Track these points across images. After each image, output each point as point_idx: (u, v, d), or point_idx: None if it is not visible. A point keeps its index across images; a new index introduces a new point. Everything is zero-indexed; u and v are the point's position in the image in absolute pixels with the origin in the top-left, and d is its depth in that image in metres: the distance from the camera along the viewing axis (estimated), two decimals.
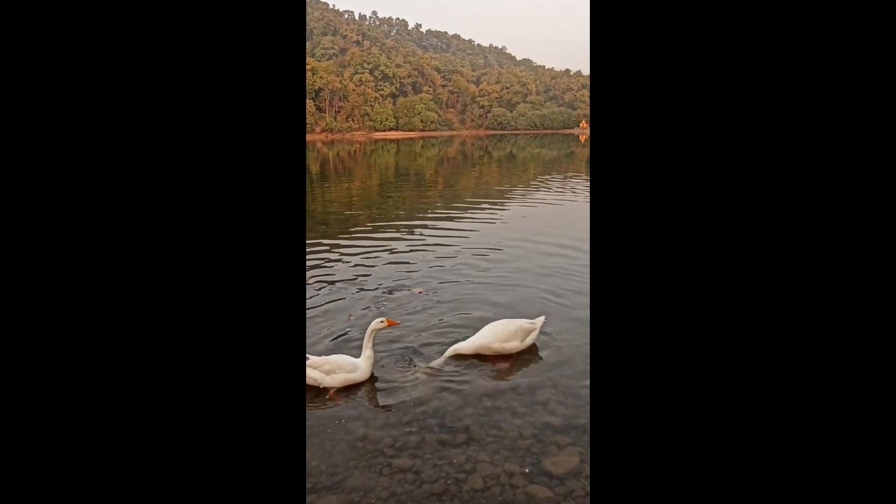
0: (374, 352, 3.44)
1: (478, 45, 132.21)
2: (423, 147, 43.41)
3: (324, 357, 3.31)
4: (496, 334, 3.58)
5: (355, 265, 6.08)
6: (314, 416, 2.96)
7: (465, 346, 3.61)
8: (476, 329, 3.79)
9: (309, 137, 68.58)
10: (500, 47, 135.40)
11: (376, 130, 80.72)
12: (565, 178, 16.63)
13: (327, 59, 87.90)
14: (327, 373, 3.22)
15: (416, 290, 5.07)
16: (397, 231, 8.17)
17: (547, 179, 16.19)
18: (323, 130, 76.38)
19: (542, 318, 3.84)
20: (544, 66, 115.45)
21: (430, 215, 9.71)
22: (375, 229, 8.31)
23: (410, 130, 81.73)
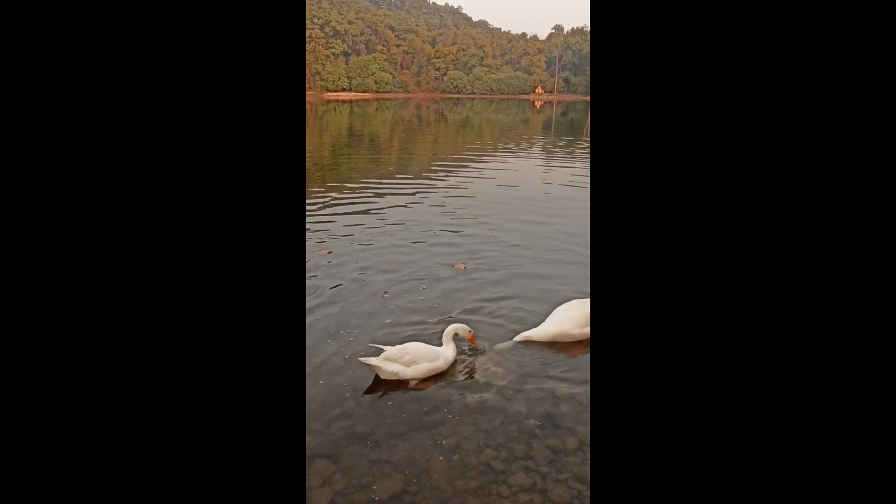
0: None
1: (433, 3, 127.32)
2: (377, 109, 41.81)
3: (400, 347, 2.84)
4: (574, 319, 3.16)
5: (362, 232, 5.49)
6: (386, 420, 2.48)
7: (538, 334, 3.17)
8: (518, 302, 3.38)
9: None
10: (455, 7, 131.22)
11: (328, 91, 77.18)
12: (518, 144, 16.25)
13: None
14: (408, 364, 2.78)
15: (460, 266, 4.56)
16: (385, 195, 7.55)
17: (504, 145, 15.79)
18: None
19: None
20: (500, 29, 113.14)
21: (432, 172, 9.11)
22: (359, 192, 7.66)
23: (364, 91, 78.72)
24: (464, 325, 3.05)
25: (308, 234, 5.50)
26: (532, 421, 2.48)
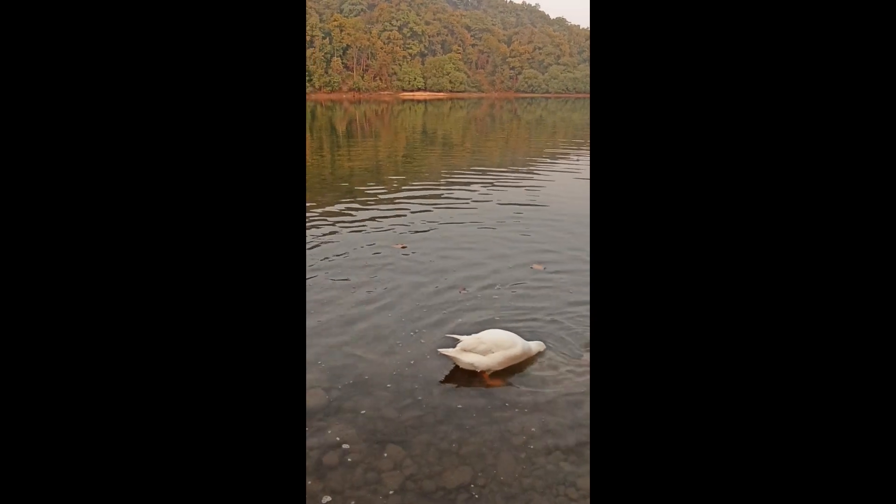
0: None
1: (510, 2, 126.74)
2: (451, 109, 42.23)
3: (475, 336, 2.86)
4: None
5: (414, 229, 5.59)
6: (457, 413, 2.52)
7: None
8: None
9: (336, 96, 67.58)
10: (533, 5, 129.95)
11: (404, 90, 78.97)
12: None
13: (355, 16, 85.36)
14: (484, 353, 2.80)
15: (538, 266, 4.53)
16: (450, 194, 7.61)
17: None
18: (350, 90, 74.92)
19: None
20: (579, 26, 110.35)
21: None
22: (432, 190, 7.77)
23: (439, 91, 79.76)
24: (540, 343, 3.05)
25: (383, 227, 5.68)
26: None
